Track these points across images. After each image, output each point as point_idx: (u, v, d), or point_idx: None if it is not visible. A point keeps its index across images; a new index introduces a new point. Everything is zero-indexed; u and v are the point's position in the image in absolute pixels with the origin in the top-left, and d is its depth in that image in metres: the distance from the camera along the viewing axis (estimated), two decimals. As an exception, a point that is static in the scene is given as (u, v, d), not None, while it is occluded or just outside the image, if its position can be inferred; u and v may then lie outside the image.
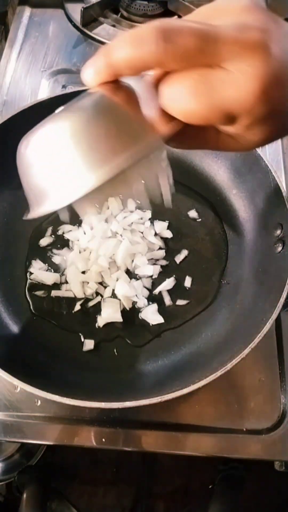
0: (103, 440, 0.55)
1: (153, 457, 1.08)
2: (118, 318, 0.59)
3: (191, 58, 0.26)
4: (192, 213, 0.68)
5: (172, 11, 0.91)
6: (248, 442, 0.56)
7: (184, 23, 0.26)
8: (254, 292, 0.60)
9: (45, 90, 0.81)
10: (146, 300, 0.61)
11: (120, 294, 0.60)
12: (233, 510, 0.84)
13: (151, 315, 0.59)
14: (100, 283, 0.62)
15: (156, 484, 1.08)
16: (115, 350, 0.58)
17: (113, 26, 0.89)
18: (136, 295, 0.60)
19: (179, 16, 0.91)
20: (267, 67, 0.26)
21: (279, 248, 0.58)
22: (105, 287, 0.62)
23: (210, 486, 0.98)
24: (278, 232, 0.59)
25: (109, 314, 0.59)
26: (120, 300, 0.60)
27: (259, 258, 0.62)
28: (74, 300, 0.61)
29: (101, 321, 0.59)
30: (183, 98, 0.27)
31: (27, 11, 0.91)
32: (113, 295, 0.61)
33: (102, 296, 0.61)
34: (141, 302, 0.60)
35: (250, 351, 0.48)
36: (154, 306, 0.60)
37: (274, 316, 0.50)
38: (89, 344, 0.58)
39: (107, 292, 0.61)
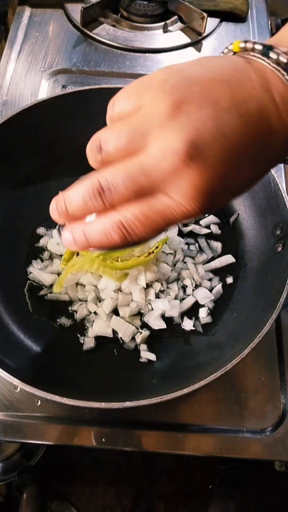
0: (103, 440, 0.55)
1: (153, 457, 1.08)
2: (109, 333, 0.58)
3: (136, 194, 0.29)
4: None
5: (172, 11, 0.91)
6: (248, 442, 0.55)
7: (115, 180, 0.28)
8: (254, 292, 0.60)
9: (45, 90, 0.81)
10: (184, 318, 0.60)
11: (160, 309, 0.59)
12: (233, 510, 0.84)
13: (154, 320, 0.59)
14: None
15: (156, 484, 1.08)
16: (115, 350, 0.58)
17: (113, 26, 0.89)
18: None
19: (179, 16, 0.91)
20: (204, 180, 0.27)
21: (279, 248, 0.58)
22: (100, 301, 0.61)
23: (210, 486, 0.98)
24: (278, 232, 0.59)
25: (101, 328, 0.58)
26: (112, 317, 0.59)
27: (259, 258, 0.62)
28: (72, 301, 0.61)
29: (91, 332, 0.59)
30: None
31: (27, 11, 0.90)
32: (113, 312, 0.60)
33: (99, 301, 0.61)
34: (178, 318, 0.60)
35: (250, 351, 0.48)
36: (158, 311, 0.60)
37: (274, 316, 0.50)
38: (89, 343, 0.58)
39: (105, 307, 0.59)
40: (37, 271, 0.61)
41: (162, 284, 0.61)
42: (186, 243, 0.66)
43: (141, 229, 0.29)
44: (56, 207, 0.32)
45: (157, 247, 0.59)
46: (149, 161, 0.27)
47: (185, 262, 0.64)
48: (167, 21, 0.91)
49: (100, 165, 0.30)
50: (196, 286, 0.63)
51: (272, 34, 0.91)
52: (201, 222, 0.68)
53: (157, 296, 0.61)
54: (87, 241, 0.31)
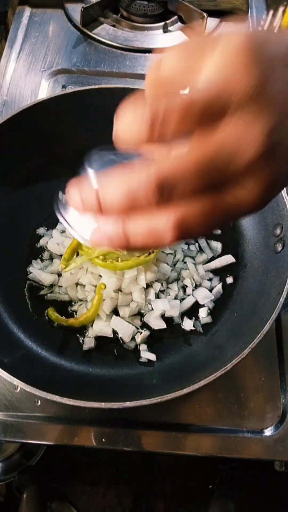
0: (103, 440, 0.55)
1: (153, 457, 1.08)
2: (109, 333, 0.58)
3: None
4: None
5: (172, 11, 0.91)
6: (248, 442, 0.56)
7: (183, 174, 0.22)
8: (254, 292, 0.60)
9: (45, 90, 0.81)
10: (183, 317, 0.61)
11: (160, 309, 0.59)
12: (233, 510, 0.84)
13: (154, 320, 0.59)
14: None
15: (156, 484, 1.08)
16: (115, 350, 0.58)
17: (113, 26, 0.89)
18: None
19: (179, 16, 0.91)
20: (280, 174, 0.23)
21: (279, 248, 0.58)
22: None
23: (210, 486, 0.98)
24: (278, 232, 0.59)
25: (101, 328, 0.58)
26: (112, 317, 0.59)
27: (259, 258, 0.62)
28: (72, 301, 0.61)
29: (91, 332, 0.59)
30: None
31: (27, 11, 0.90)
32: (114, 312, 0.60)
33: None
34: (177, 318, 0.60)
35: (250, 351, 0.48)
36: (158, 311, 0.60)
37: (274, 316, 0.50)
38: (89, 343, 0.58)
39: (105, 307, 0.59)
40: (37, 271, 0.61)
41: (162, 284, 0.61)
42: (186, 243, 0.66)
43: (200, 229, 0.24)
44: (82, 199, 0.25)
45: None
46: (224, 149, 0.22)
47: (185, 262, 0.64)
48: (167, 21, 0.91)
49: (150, 143, 0.23)
50: (196, 286, 0.63)
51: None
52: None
53: (157, 296, 0.61)
54: (128, 242, 0.25)
